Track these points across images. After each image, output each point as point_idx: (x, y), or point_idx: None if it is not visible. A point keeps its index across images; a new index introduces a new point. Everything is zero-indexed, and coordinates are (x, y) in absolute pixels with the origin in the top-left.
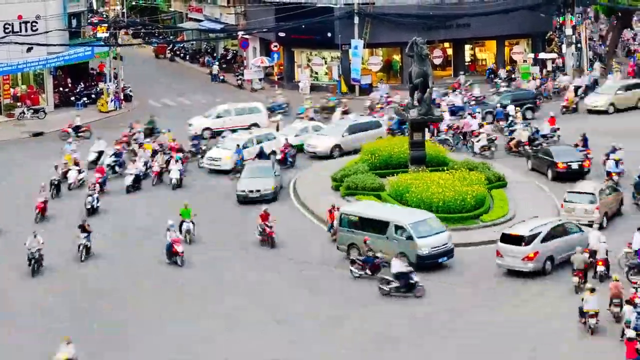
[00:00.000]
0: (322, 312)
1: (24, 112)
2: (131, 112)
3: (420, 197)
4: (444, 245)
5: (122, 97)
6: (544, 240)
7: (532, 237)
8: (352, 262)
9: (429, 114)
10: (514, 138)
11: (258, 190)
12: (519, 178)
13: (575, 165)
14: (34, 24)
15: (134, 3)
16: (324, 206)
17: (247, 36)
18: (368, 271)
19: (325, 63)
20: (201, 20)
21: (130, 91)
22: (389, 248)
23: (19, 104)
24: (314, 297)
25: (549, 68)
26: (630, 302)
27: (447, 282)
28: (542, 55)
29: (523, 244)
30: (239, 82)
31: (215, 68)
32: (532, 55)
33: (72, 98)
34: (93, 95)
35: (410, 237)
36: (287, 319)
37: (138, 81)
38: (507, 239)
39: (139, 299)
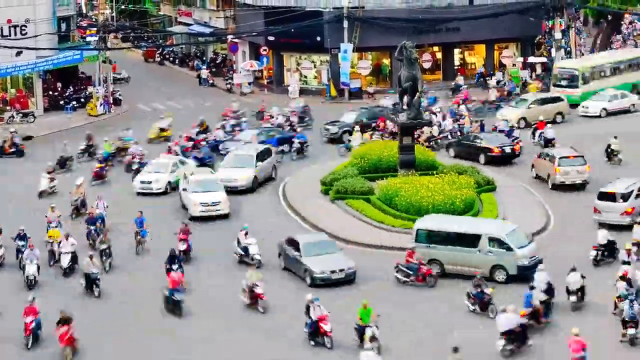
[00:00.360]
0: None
1: (13, 116)
2: (121, 115)
3: (409, 201)
4: (537, 255)
5: (112, 101)
6: (636, 197)
7: (629, 194)
8: (468, 295)
9: (418, 118)
10: (422, 133)
11: (342, 270)
12: (508, 182)
13: (508, 149)
14: (23, 27)
15: (123, 7)
16: (312, 210)
17: (236, 40)
18: (478, 308)
19: (315, 67)
20: (190, 24)
21: (120, 95)
22: (482, 261)
23: (8, 107)
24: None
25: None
26: (623, 278)
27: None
28: (531, 59)
29: (621, 200)
30: (228, 86)
31: (205, 72)
32: (521, 59)
33: (62, 102)
34: (82, 99)
35: (509, 249)
36: (288, 321)
37: (127, 85)
38: (604, 196)
39: None
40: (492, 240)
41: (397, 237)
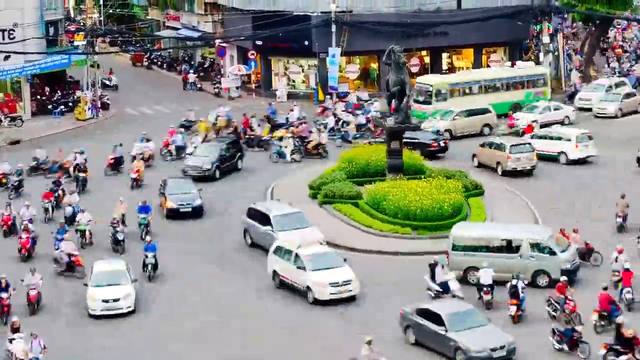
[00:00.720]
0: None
1: (1, 120)
2: (109, 119)
3: (397, 205)
4: (576, 259)
5: (100, 105)
6: None
7: None
8: (553, 332)
9: (406, 122)
10: (311, 141)
11: (503, 347)
12: (495, 184)
13: (442, 143)
14: (11, 32)
15: (111, 11)
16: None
17: (224, 44)
18: (566, 347)
19: (303, 71)
20: (178, 29)
21: (108, 99)
22: (523, 267)
23: None
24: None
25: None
26: None
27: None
28: (519, 64)
29: None
30: (216, 90)
31: (192, 76)
32: (509, 64)
33: (50, 106)
34: (70, 104)
35: (552, 253)
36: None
37: (115, 89)
38: None
39: None
40: (534, 245)
41: (385, 241)
